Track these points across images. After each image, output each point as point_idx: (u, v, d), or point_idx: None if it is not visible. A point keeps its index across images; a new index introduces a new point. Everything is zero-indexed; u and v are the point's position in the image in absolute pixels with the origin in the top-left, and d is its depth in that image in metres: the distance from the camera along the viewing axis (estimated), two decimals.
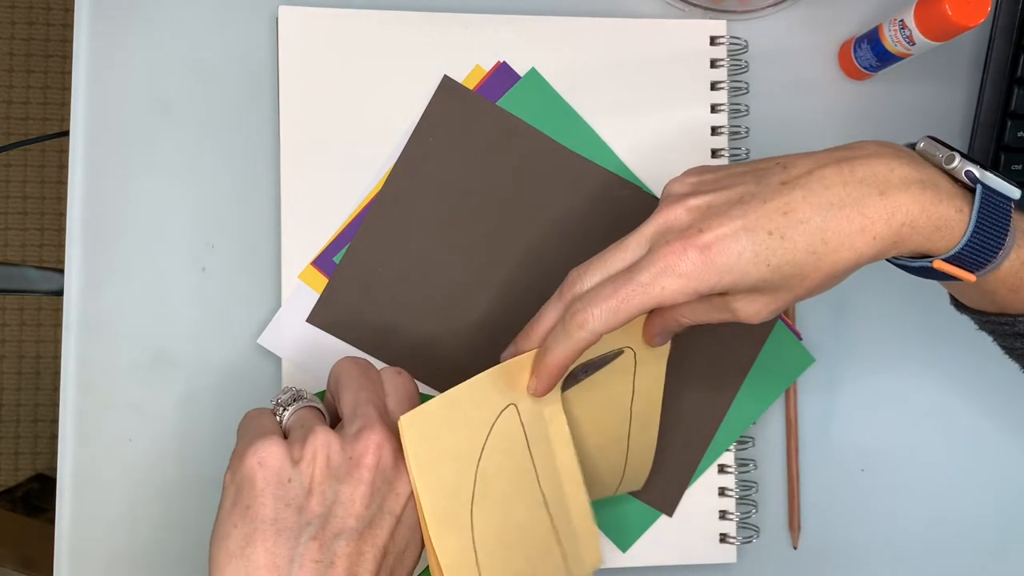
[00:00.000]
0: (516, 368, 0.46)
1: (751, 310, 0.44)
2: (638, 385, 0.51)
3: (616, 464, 0.53)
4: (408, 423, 0.42)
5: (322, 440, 0.41)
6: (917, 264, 0.44)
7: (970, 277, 0.43)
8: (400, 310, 0.57)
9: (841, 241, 0.41)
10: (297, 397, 0.46)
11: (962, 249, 0.42)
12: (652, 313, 0.47)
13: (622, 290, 0.42)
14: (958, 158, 0.43)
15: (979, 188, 0.43)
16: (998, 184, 0.43)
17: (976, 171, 0.43)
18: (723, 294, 0.43)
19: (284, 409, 0.45)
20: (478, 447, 0.44)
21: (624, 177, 0.59)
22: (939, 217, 0.42)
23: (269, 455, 0.41)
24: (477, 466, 0.44)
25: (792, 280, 0.42)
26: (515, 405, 0.46)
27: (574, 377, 0.48)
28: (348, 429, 0.42)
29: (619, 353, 0.48)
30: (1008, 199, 0.43)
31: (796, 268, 0.41)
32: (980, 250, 0.42)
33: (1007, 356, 0.51)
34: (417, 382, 0.57)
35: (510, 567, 0.46)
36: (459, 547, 0.44)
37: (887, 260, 0.45)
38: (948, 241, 0.42)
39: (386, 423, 0.43)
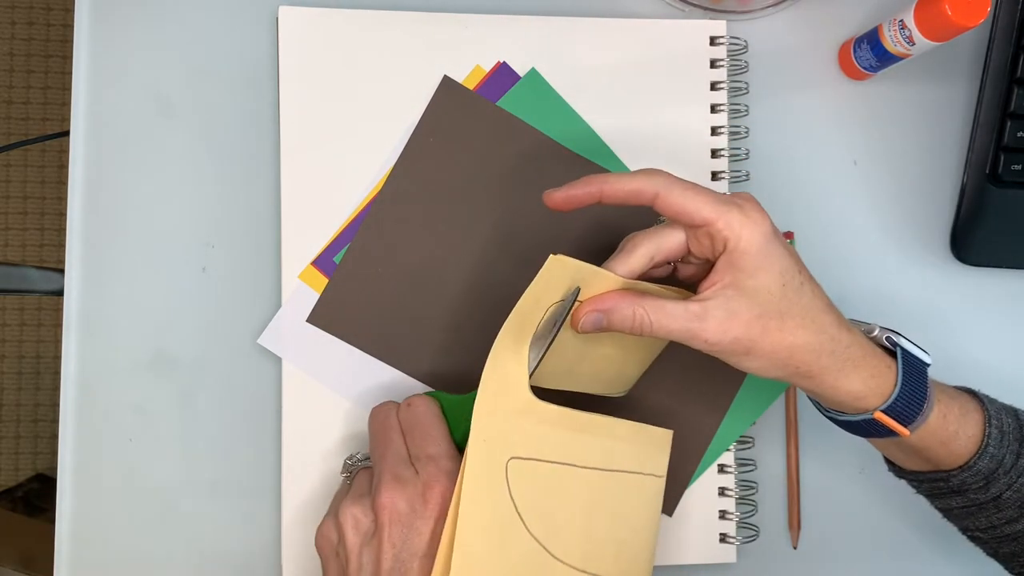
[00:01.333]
0: (483, 456, 0.47)
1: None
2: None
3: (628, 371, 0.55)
4: None
5: (347, 515, 0.48)
6: (860, 418, 0.49)
7: (904, 431, 0.48)
8: (400, 310, 0.57)
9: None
10: (353, 465, 0.53)
11: (895, 400, 0.48)
12: None
13: None
14: (877, 328, 0.50)
15: (899, 350, 0.49)
16: (913, 348, 0.50)
17: (894, 336, 0.50)
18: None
19: (348, 478, 0.53)
20: (516, 521, 0.47)
21: None
22: (874, 366, 0.48)
23: (320, 535, 0.49)
24: (529, 533, 0.48)
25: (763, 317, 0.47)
26: (513, 459, 0.48)
27: (544, 339, 0.48)
28: (373, 491, 0.48)
29: (575, 295, 0.48)
30: (922, 362, 0.49)
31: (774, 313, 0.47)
32: (909, 402, 0.48)
33: (945, 519, 0.54)
34: (416, 380, 0.57)
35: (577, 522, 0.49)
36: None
37: (832, 419, 0.51)
38: (881, 394, 0.48)
39: (396, 474, 0.48)
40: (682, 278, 0.51)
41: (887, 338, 0.50)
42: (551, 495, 0.48)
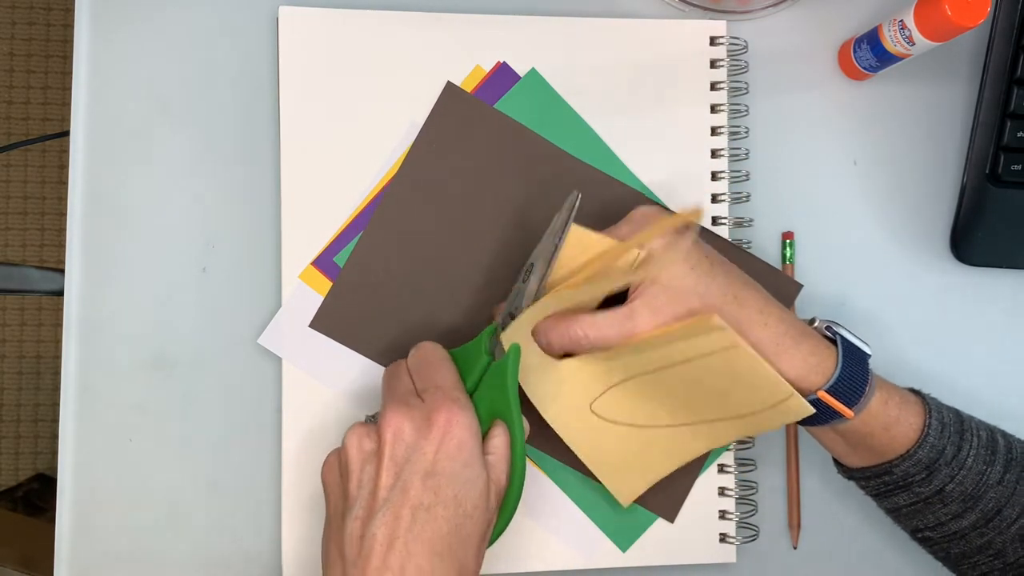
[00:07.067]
0: None
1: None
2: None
3: None
4: None
5: (353, 437, 0.48)
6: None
7: (848, 412, 0.49)
8: (403, 315, 0.57)
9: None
10: (370, 421, 0.53)
11: (837, 380, 0.49)
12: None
13: None
14: (818, 320, 0.53)
15: (839, 337, 0.51)
16: (853, 338, 0.52)
17: (834, 326, 0.52)
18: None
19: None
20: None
21: (624, 178, 0.59)
22: (813, 346, 0.50)
23: (325, 464, 0.50)
24: None
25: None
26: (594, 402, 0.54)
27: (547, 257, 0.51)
28: (380, 417, 0.50)
29: (577, 198, 0.51)
30: (863, 351, 0.51)
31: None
32: (851, 383, 0.49)
33: (896, 524, 0.55)
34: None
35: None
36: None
37: None
38: (823, 373, 0.49)
39: (403, 400, 0.49)
40: None
41: (827, 327, 0.52)
42: (641, 402, 0.53)
